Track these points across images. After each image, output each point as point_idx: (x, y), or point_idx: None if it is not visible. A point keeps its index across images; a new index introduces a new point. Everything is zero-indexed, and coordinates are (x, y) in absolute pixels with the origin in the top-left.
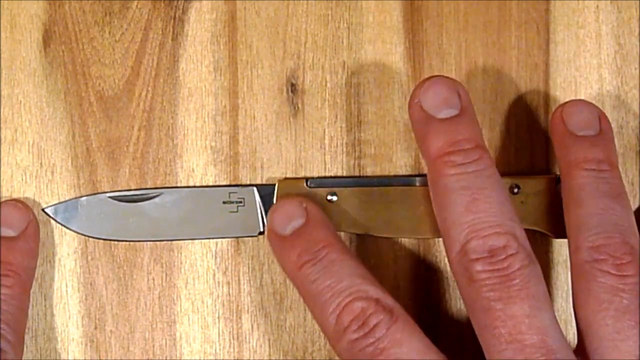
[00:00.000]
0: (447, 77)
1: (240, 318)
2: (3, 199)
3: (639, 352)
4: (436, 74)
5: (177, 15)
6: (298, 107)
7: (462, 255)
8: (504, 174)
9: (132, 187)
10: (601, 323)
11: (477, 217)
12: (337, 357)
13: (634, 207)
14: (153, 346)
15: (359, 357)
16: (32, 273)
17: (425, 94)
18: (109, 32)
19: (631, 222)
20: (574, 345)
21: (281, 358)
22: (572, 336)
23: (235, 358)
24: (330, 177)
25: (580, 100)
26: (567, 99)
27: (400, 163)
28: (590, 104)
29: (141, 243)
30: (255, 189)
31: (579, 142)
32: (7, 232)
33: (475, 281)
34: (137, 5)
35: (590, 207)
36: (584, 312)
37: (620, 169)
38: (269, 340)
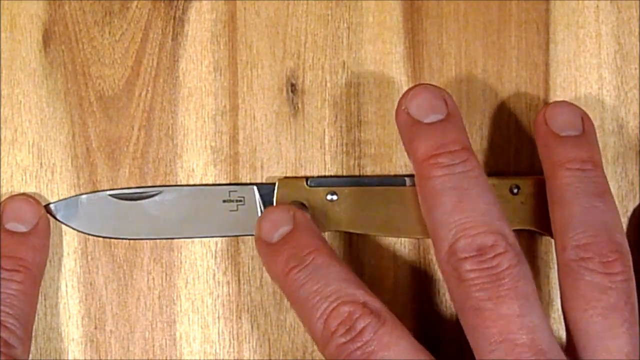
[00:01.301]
0: (432, 85)
1: (240, 318)
2: (10, 195)
3: (628, 350)
4: (436, 74)
5: (177, 15)
6: (298, 107)
7: (451, 255)
8: (504, 174)
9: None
10: (589, 321)
11: (464, 217)
12: None
13: (634, 206)
14: (153, 346)
15: None
16: (43, 269)
17: (411, 101)
18: (109, 32)
19: (616, 220)
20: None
21: (281, 358)
22: None
23: (235, 358)
24: (330, 176)
25: (562, 101)
26: (567, 99)
27: (400, 163)
28: (573, 105)
29: (141, 243)
30: (255, 187)
31: (562, 143)
32: (19, 227)
33: (464, 281)
34: (137, 5)
35: (574, 206)
36: (572, 311)
37: (620, 169)
38: (269, 340)
